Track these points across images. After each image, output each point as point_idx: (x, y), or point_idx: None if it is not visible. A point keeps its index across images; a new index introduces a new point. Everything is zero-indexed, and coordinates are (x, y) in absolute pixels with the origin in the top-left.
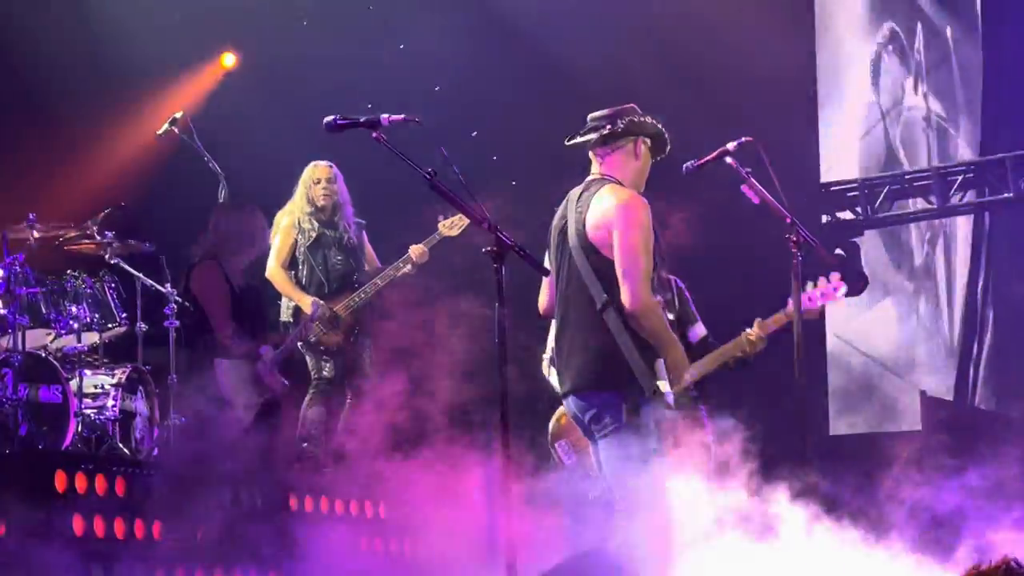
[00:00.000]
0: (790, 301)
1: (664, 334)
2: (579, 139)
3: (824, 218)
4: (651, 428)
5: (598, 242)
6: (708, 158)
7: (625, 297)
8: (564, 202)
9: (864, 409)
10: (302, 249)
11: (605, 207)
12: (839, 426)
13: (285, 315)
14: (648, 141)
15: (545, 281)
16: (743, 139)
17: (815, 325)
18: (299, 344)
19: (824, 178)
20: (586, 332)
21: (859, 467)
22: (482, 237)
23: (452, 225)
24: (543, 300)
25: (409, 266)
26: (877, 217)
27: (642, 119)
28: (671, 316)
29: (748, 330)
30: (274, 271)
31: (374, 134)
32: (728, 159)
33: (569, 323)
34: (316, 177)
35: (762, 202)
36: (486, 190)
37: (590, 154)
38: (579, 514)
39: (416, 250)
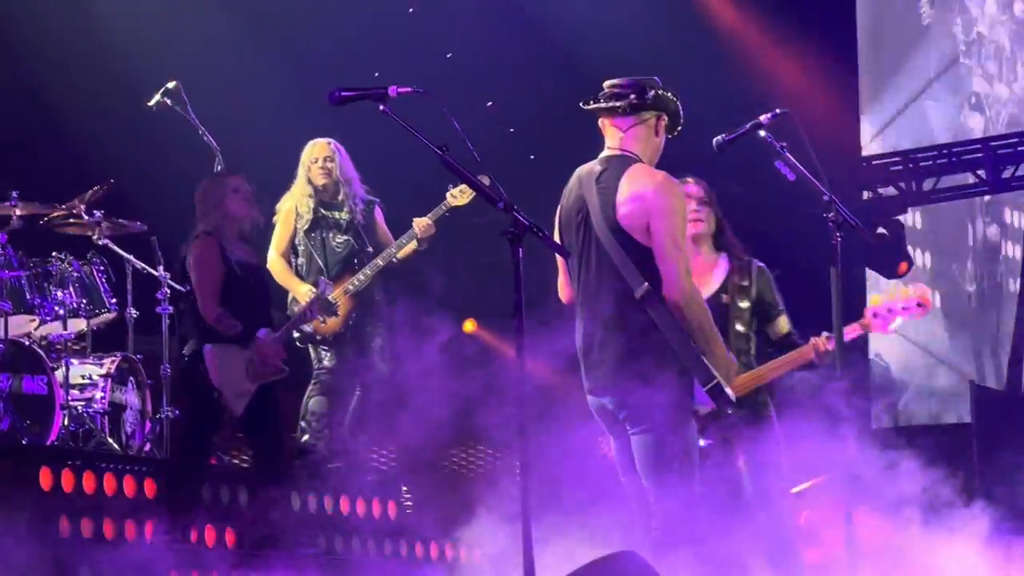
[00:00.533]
0: (866, 311)
1: (709, 328)
2: (603, 104)
3: (865, 194)
4: (694, 427)
5: (630, 227)
6: (740, 132)
7: (668, 287)
8: (575, 180)
9: (909, 400)
10: (300, 234)
11: (637, 190)
12: (883, 418)
13: (291, 309)
14: (666, 119)
15: (560, 265)
16: (777, 111)
17: (856, 310)
18: (295, 335)
19: (866, 151)
20: (624, 323)
21: (905, 462)
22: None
23: (461, 193)
24: (566, 287)
25: (415, 242)
26: (923, 192)
27: (665, 93)
28: (744, 304)
29: (816, 339)
30: (273, 260)
31: (381, 107)
32: (761, 132)
33: (601, 314)
34: (314, 156)
35: (798, 178)
36: (502, 165)
37: (604, 124)
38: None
39: (420, 223)
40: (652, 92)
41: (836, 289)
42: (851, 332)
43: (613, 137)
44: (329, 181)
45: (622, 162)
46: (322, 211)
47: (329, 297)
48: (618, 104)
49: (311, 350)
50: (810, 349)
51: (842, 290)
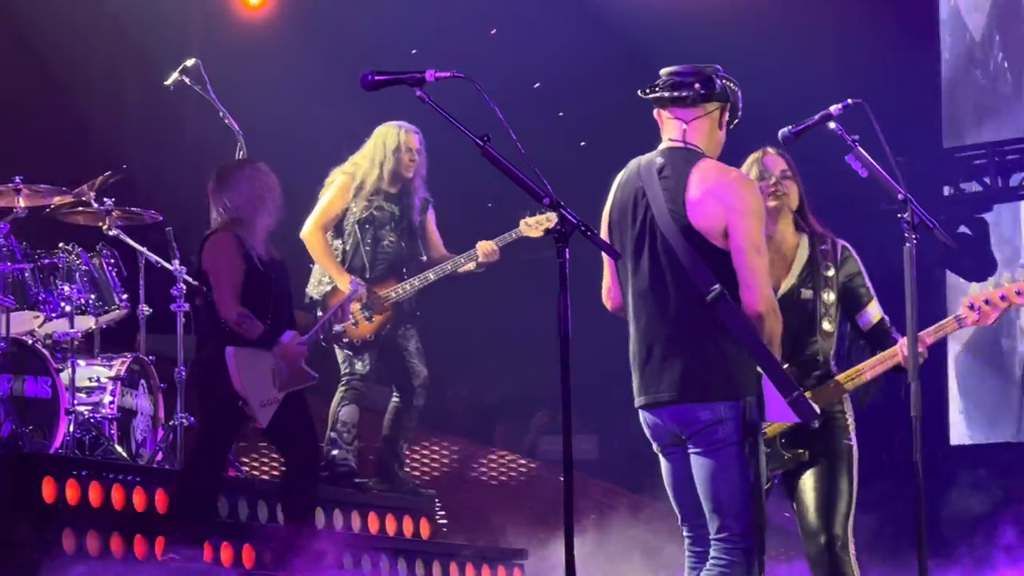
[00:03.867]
0: (961, 306)
1: (779, 342)
2: (666, 94)
3: (947, 190)
4: (763, 445)
5: (704, 229)
6: (808, 123)
7: (749, 295)
8: (631, 172)
9: (993, 415)
10: (352, 220)
11: (711, 188)
12: (962, 434)
13: (315, 289)
14: (728, 112)
15: (608, 267)
16: (849, 101)
17: (935, 314)
18: (321, 336)
19: (947, 143)
20: (692, 330)
21: (986, 482)
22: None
23: (538, 224)
24: (612, 289)
25: (473, 264)
26: (1010, 188)
27: (729, 83)
28: (830, 298)
29: (902, 339)
30: (312, 232)
31: (418, 92)
32: (832, 124)
33: (665, 319)
34: (408, 145)
35: (871, 175)
36: (550, 153)
37: (662, 116)
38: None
39: (485, 247)
40: (720, 81)
41: (911, 295)
42: (941, 330)
43: (673, 129)
44: (410, 177)
45: (687, 156)
46: (383, 204)
47: (380, 294)
48: (685, 95)
49: (338, 353)
50: (895, 354)
51: (919, 295)
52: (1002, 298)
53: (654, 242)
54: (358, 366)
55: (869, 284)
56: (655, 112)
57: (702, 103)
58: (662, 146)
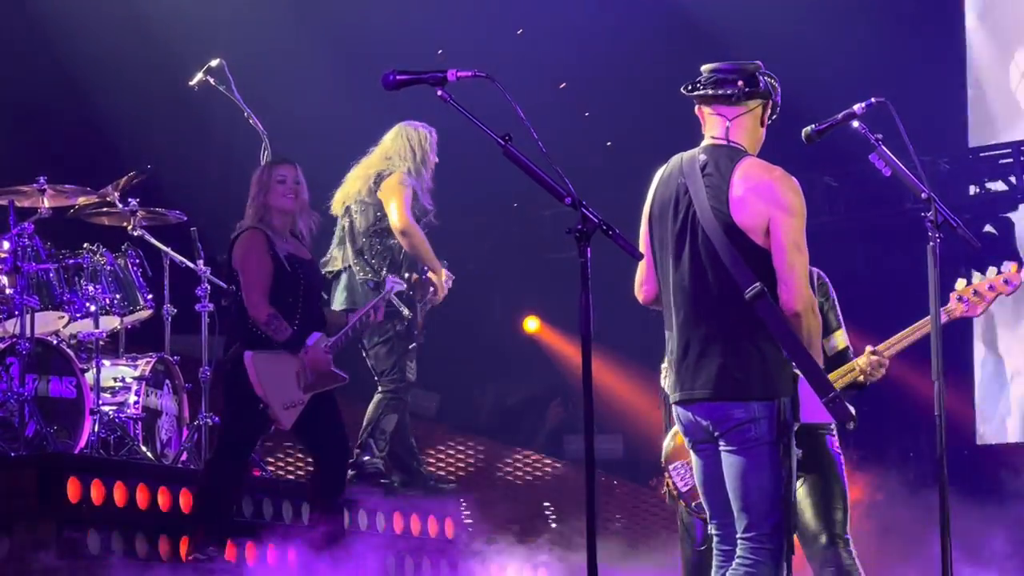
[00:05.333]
0: (951, 296)
1: (819, 342)
2: (710, 92)
3: (972, 189)
4: (795, 445)
5: (747, 226)
6: (832, 122)
7: (788, 293)
8: (674, 168)
9: (1018, 414)
10: None
11: (754, 186)
12: (988, 434)
13: (369, 276)
14: (770, 107)
15: (646, 260)
16: (873, 100)
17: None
18: (376, 336)
19: (973, 142)
20: (733, 328)
21: (1010, 482)
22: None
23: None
24: (646, 283)
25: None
26: None
27: (771, 79)
28: None
29: (858, 360)
30: (411, 222)
31: (439, 92)
32: (855, 123)
33: (704, 316)
34: (432, 144)
35: (894, 174)
36: (575, 154)
37: (704, 112)
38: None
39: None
40: (763, 79)
41: (934, 294)
42: (896, 345)
43: (716, 126)
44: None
45: (731, 153)
46: (421, 202)
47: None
48: (730, 92)
49: (384, 359)
50: (852, 371)
51: (943, 294)
52: (990, 288)
53: (695, 239)
54: (409, 374)
55: (839, 313)
56: (696, 109)
57: (745, 100)
58: (704, 143)
